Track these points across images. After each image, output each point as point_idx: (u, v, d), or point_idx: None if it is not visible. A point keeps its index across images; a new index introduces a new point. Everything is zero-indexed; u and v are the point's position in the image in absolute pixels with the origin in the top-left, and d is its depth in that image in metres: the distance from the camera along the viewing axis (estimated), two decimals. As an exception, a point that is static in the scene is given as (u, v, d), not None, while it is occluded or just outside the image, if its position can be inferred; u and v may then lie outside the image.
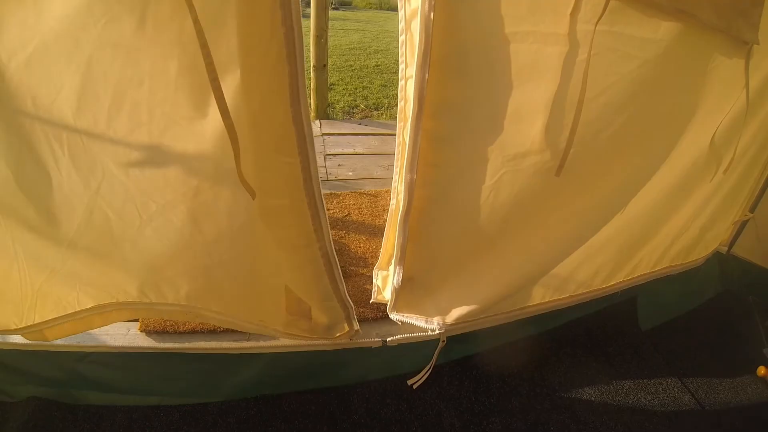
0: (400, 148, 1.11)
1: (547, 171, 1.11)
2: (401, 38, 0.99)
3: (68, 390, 1.49)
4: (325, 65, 3.40)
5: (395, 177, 1.18)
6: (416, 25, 0.91)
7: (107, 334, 1.42)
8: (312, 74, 3.42)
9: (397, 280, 1.25)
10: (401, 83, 1.03)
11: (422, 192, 1.10)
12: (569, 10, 0.96)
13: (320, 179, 1.03)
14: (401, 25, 0.97)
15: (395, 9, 1.00)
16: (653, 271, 1.64)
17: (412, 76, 0.95)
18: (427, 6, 0.87)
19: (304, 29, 0.84)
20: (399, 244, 1.18)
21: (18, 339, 1.38)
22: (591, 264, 1.46)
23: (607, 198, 1.33)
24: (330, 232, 1.15)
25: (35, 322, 1.19)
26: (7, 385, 1.49)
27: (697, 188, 1.51)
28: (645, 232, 1.52)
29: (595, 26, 0.96)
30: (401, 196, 1.11)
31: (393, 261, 1.24)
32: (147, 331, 1.44)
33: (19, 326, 1.19)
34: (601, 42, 0.98)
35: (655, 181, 1.37)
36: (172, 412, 1.47)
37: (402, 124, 1.07)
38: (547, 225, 1.27)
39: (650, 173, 1.36)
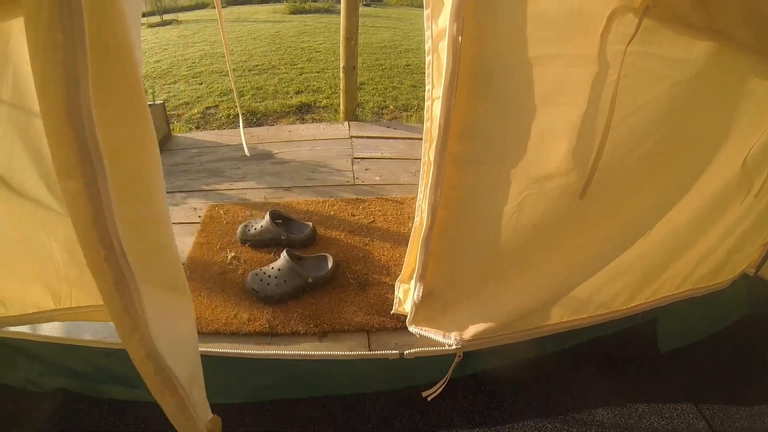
0: (425, 167, 1.09)
1: (572, 194, 1.10)
2: (428, 58, 0.97)
3: (94, 384, 1.54)
4: (354, 67, 3.37)
5: (419, 195, 1.17)
6: (443, 47, 0.89)
7: (132, 332, 1.46)
8: (342, 75, 3.41)
9: (417, 295, 1.25)
10: (427, 104, 1.02)
11: (445, 213, 1.10)
12: (600, 31, 0.94)
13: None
14: (428, 45, 0.96)
15: (427, 5, 0.97)
16: (676, 293, 1.61)
17: (438, 98, 0.95)
18: (455, 29, 0.85)
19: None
20: (420, 261, 1.19)
21: (48, 332, 1.44)
22: (612, 286, 1.44)
23: (635, 220, 1.31)
24: (146, 319, 0.73)
25: (71, 306, 1.26)
26: (35, 376, 1.55)
27: (727, 211, 1.47)
28: (671, 254, 1.49)
29: (626, 47, 0.94)
30: (425, 215, 1.11)
31: (414, 276, 1.24)
32: (170, 331, 1.47)
33: (57, 307, 1.26)
34: (632, 63, 0.96)
35: (684, 203, 1.34)
36: (192, 410, 1.51)
37: (428, 144, 1.06)
38: (570, 248, 1.26)
39: (680, 195, 1.33)
